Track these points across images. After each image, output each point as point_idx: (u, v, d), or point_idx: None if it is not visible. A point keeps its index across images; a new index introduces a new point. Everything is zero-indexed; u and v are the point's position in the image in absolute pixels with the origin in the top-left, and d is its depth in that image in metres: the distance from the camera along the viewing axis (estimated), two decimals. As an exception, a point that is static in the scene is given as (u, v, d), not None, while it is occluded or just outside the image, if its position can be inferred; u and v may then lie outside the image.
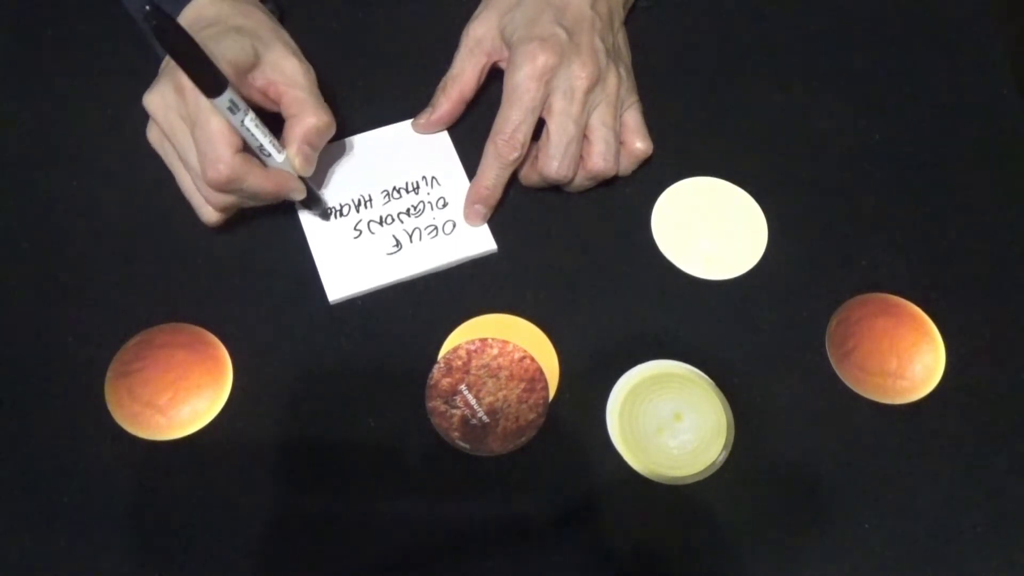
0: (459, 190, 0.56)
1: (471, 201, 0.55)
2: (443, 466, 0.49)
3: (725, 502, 0.48)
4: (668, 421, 0.50)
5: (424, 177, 0.57)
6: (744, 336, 0.53)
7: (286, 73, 0.50)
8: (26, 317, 0.52)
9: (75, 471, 0.48)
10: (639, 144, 0.56)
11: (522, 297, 0.54)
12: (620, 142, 0.55)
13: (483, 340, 0.52)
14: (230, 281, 0.54)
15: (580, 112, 0.53)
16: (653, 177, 0.58)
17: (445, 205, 0.56)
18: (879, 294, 0.55)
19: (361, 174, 0.57)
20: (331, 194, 0.56)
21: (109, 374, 0.50)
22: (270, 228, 0.55)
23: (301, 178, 0.52)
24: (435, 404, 0.50)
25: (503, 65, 0.55)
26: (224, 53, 0.47)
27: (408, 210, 0.56)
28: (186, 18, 0.51)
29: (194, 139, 0.47)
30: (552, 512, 0.48)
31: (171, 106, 0.48)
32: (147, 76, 0.51)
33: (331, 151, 0.57)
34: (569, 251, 0.56)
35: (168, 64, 0.50)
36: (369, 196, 0.56)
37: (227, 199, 0.50)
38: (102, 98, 0.59)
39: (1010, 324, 0.54)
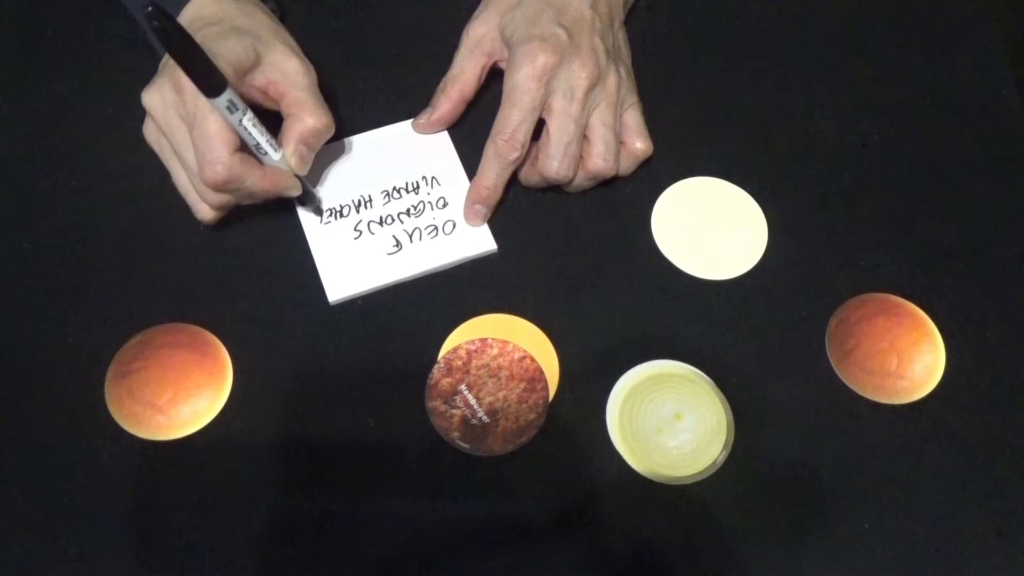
0: (459, 190, 0.56)
1: (471, 201, 0.55)
2: (443, 466, 0.49)
3: (725, 502, 0.48)
4: (668, 421, 0.50)
5: (424, 177, 0.57)
6: (744, 336, 0.53)
7: (287, 73, 0.50)
8: (26, 317, 0.52)
9: (75, 471, 0.48)
10: (639, 144, 0.56)
11: (522, 297, 0.54)
12: (620, 142, 0.55)
13: (483, 340, 0.52)
14: (230, 281, 0.54)
15: (580, 112, 0.53)
16: (653, 177, 0.58)
17: (445, 205, 0.56)
18: (879, 294, 0.55)
19: (361, 174, 0.57)
20: (331, 194, 0.56)
21: (109, 374, 0.50)
22: (270, 228, 0.55)
23: (297, 176, 0.52)
24: (435, 404, 0.50)
25: (503, 65, 0.55)
26: (224, 53, 0.47)
27: (408, 210, 0.56)
28: (186, 17, 0.51)
29: (192, 138, 0.47)
30: (552, 512, 0.48)
31: (169, 104, 0.48)
32: (147, 76, 0.50)
33: (331, 151, 0.57)
34: (569, 251, 0.56)
35: (167, 62, 0.50)
36: (369, 196, 0.56)
37: (223, 198, 0.50)
38: (102, 98, 0.59)
39: (1010, 324, 0.54)
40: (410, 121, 0.59)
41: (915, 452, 0.50)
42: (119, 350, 0.51)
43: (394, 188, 0.56)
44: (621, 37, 0.58)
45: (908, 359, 0.52)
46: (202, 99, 0.46)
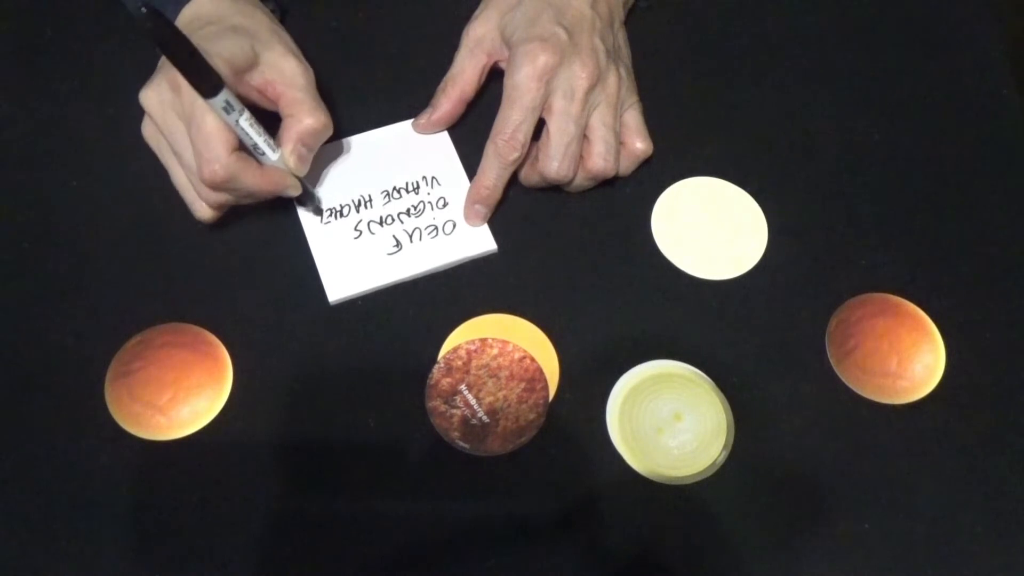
0: (459, 190, 0.56)
1: (471, 201, 0.55)
2: (443, 466, 0.49)
3: (725, 502, 0.48)
4: (668, 421, 0.50)
5: (424, 177, 0.57)
6: (744, 336, 0.53)
7: (284, 73, 0.50)
8: (26, 317, 0.52)
9: (75, 471, 0.48)
10: (639, 144, 0.56)
11: (522, 297, 0.54)
12: (620, 142, 0.55)
13: (483, 340, 0.52)
14: (230, 281, 0.54)
15: (580, 112, 0.53)
16: (653, 177, 0.58)
17: (445, 205, 0.56)
18: (879, 294, 0.55)
19: (361, 174, 0.57)
20: (331, 194, 0.56)
21: (109, 374, 0.50)
22: (270, 228, 0.55)
23: (296, 176, 0.52)
24: (435, 404, 0.50)
25: (503, 65, 0.55)
26: (221, 52, 0.47)
27: (408, 210, 0.56)
28: (185, 17, 0.51)
29: (190, 137, 0.47)
30: (552, 512, 0.48)
31: (167, 103, 0.48)
32: (147, 76, 0.50)
33: (331, 151, 0.57)
34: (569, 251, 0.56)
35: (165, 61, 0.50)
36: (369, 196, 0.56)
37: (222, 197, 0.50)
38: (102, 98, 0.59)
39: (1010, 324, 0.54)
40: (410, 121, 0.59)
41: (915, 452, 0.50)
42: (119, 350, 0.51)
43: (394, 188, 0.56)
44: (621, 37, 0.58)
45: (908, 359, 0.52)
46: (199, 98, 0.46)
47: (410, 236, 0.55)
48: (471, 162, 0.57)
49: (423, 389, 0.51)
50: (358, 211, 0.56)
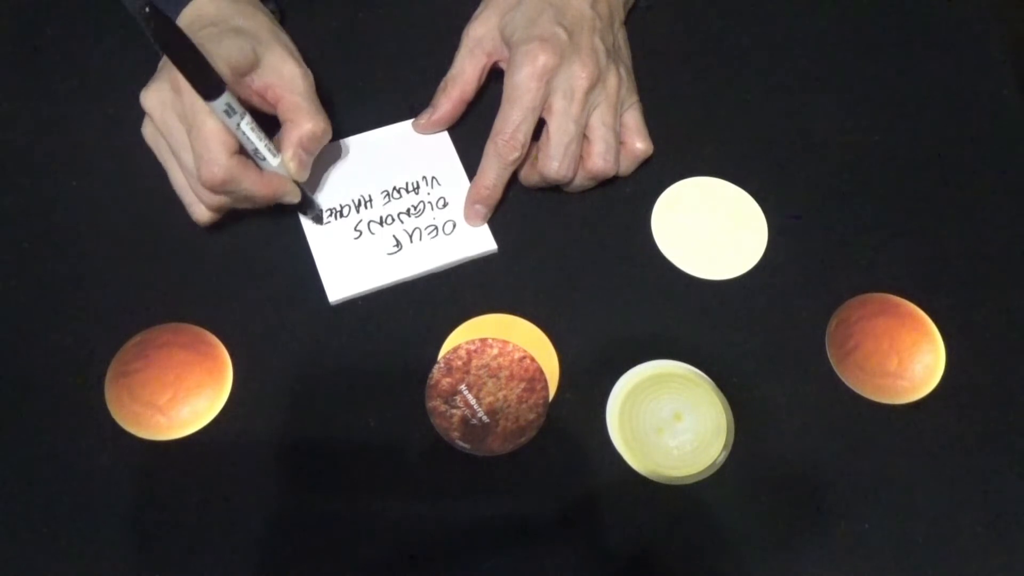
0: (459, 190, 0.56)
1: (471, 201, 0.55)
2: (443, 466, 0.49)
3: (725, 502, 0.48)
4: (668, 421, 0.50)
5: (424, 177, 0.57)
6: (744, 336, 0.53)
7: (284, 77, 0.50)
8: (26, 317, 0.52)
9: (75, 471, 0.48)
10: (639, 144, 0.56)
11: (522, 297, 0.54)
12: (620, 142, 0.55)
13: (483, 340, 0.52)
14: (230, 281, 0.54)
15: (580, 112, 0.53)
16: (653, 177, 0.58)
17: (445, 205, 0.56)
18: (879, 294, 0.55)
19: (361, 174, 0.57)
20: (331, 194, 0.56)
21: (109, 374, 0.50)
22: (270, 228, 0.55)
23: (296, 183, 0.52)
24: (435, 404, 0.50)
25: (503, 65, 0.55)
26: (223, 53, 0.47)
27: (408, 210, 0.56)
28: (186, 17, 0.51)
29: (190, 139, 0.47)
30: (552, 512, 0.48)
31: (168, 104, 0.48)
32: (147, 76, 0.50)
33: (331, 151, 0.57)
34: (569, 251, 0.56)
35: (166, 62, 0.50)
36: (369, 196, 0.56)
37: (220, 199, 0.50)
38: (102, 98, 0.59)
39: (1010, 324, 0.54)
40: (410, 121, 0.59)
41: (915, 452, 0.50)
42: (119, 350, 0.51)
43: (394, 188, 0.56)
44: (621, 37, 0.58)
45: (908, 359, 0.52)
46: (200, 100, 0.46)
47: (410, 236, 0.55)
48: (471, 162, 0.57)
49: (423, 389, 0.51)
50: (358, 211, 0.56)
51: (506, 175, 0.54)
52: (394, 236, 0.55)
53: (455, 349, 0.51)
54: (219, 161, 0.47)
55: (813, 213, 0.57)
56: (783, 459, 0.50)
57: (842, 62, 0.63)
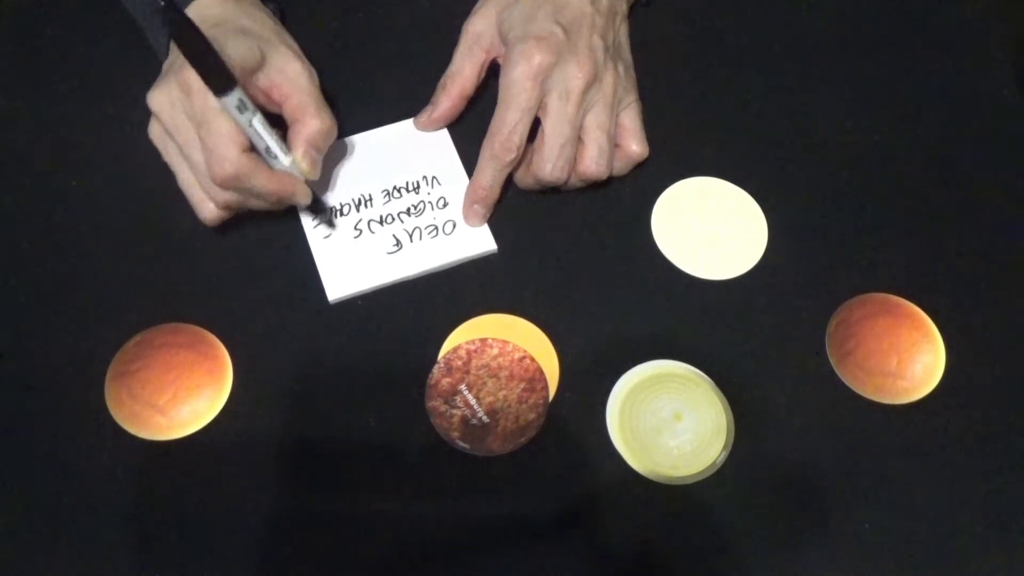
0: (459, 190, 0.56)
1: (470, 201, 0.55)
2: (443, 466, 0.49)
3: (725, 502, 0.48)
4: (668, 421, 0.50)
5: (424, 177, 0.57)
6: (744, 336, 0.53)
7: (289, 76, 0.50)
8: (26, 317, 0.52)
9: (75, 471, 0.48)
10: (635, 147, 0.55)
11: (522, 297, 0.54)
12: (616, 144, 0.55)
13: (483, 340, 0.52)
14: (230, 281, 0.54)
15: (575, 113, 0.52)
16: (653, 177, 0.58)
17: (445, 205, 0.56)
18: (879, 294, 0.55)
19: (361, 174, 0.57)
20: (331, 194, 0.56)
21: (109, 374, 0.50)
22: (270, 228, 0.55)
23: (307, 185, 0.52)
24: (435, 404, 0.50)
25: (501, 61, 0.55)
26: (230, 54, 0.47)
27: (408, 210, 0.56)
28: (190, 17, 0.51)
29: (200, 138, 0.47)
30: (552, 512, 0.48)
31: (176, 104, 0.48)
32: (147, 76, 0.51)
33: (331, 151, 0.57)
34: (569, 251, 0.56)
35: (174, 63, 0.50)
36: (369, 196, 0.56)
37: (230, 196, 0.49)
38: (102, 98, 0.59)
39: (1010, 324, 0.54)
40: (410, 120, 0.59)
41: (915, 452, 0.50)
42: (119, 350, 0.51)
43: (394, 187, 0.56)
44: (623, 32, 0.58)
45: (908, 359, 0.52)
46: (211, 99, 0.46)
47: (410, 236, 0.55)
48: (471, 162, 0.57)
49: (423, 389, 0.51)
50: (358, 210, 0.56)
51: (503, 176, 0.54)
52: (394, 235, 0.55)
53: (455, 349, 0.51)
54: (230, 157, 0.47)
55: (813, 213, 0.57)
56: (783, 459, 0.50)
57: (842, 62, 0.63)
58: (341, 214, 0.55)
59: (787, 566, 0.47)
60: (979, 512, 0.49)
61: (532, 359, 0.51)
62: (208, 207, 0.51)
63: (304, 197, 0.52)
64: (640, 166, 0.57)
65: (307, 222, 0.55)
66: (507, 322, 0.53)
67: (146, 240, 0.55)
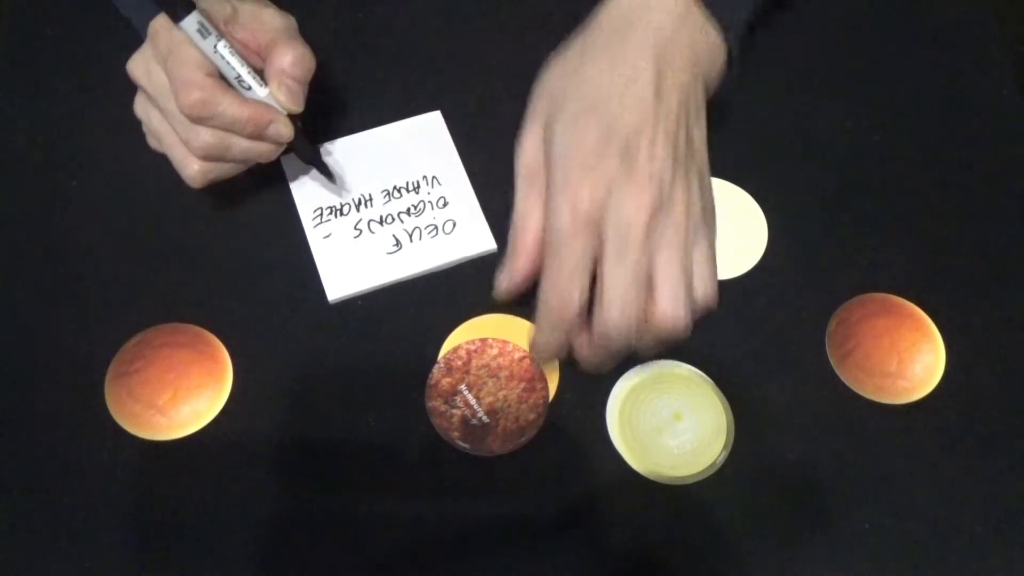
0: (459, 190, 0.56)
1: (532, 349, 0.49)
2: (443, 466, 0.49)
3: (725, 502, 0.48)
4: (668, 421, 0.50)
5: (425, 176, 0.57)
6: (744, 336, 0.53)
7: (264, 21, 0.50)
8: (26, 317, 0.52)
9: (75, 471, 0.48)
10: (700, 289, 0.45)
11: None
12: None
13: (483, 340, 0.52)
14: (230, 281, 0.54)
15: (639, 254, 0.42)
16: (653, 177, 0.58)
17: (445, 205, 0.56)
18: (879, 294, 0.55)
19: (361, 173, 0.57)
20: (331, 193, 0.56)
21: (109, 374, 0.50)
22: (270, 228, 0.55)
23: (293, 125, 0.51)
24: (435, 404, 0.50)
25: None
26: (201, 8, 0.47)
27: (408, 209, 0.56)
28: None
29: (167, 72, 0.47)
30: (552, 512, 0.48)
31: (149, 59, 0.48)
32: (147, 76, 0.50)
33: (331, 150, 0.57)
34: (569, 251, 0.55)
35: (149, 34, 0.49)
36: (369, 195, 0.56)
37: (208, 138, 0.48)
38: (102, 98, 0.59)
39: (1010, 324, 0.54)
40: (411, 120, 0.58)
41: (915, 452, 0.50)
42: (119, 350, 0.51)
43: (394, 187, 0.56)
44: (698, 131, 0.47)
45: (908, 359, 0.52)
46: (175, 34, 0.46)
47: (410, 235, 0.55)
48: (471, 161, 0.57)
49: (423, 389, 0.51)
50: (358, 210, 0.56)
51: (563, 334, 0.45)
52: (394, 235, 0.55)
53: (455, 349, 0.51)
54: (195, 82, 0.46)
55: (813, 213, 0.57)
56: (783, 459, 0.50)
57: (842, 62, 0.63)
58: (341, 214, 0.55)
59: (787, 566, 0.47)
60: (979, 512, 0.49)
61: (532, 359, 0.51)
62: (191, 164, 0.49)
63: (284, 128, 0.50)
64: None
65: (306, 221, 0.55)
66: (507, 322, 0.53)
67: (146, 240, 0.55)
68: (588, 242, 0.43)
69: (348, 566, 0.46)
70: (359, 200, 0.56)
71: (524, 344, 0.52)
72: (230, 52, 0.48)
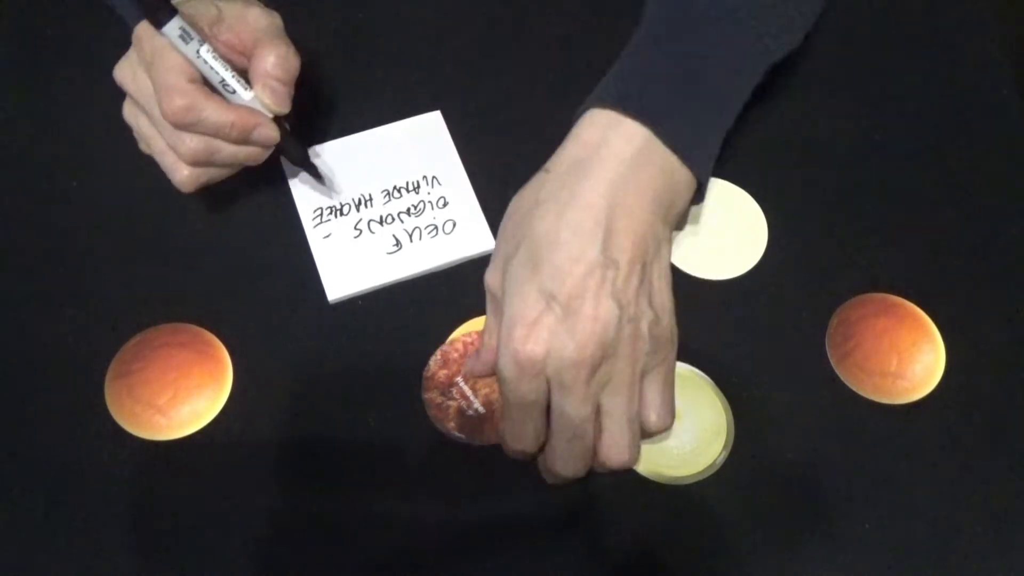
0: (459, 189, 0.56)
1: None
2: (443, 466, 0.49)
3: (725, 502, 0.48)
4: (668, 421, 0.50)
5: (424, 176, 0.57)
6: (744, 336, 0.53)
7: (249, 21, 0.49)
8: (26, 317, 0.52)
9: (75, 471, 0.48)
10: (653, 418, 0.46)
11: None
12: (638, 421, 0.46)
13: (480, 333, 0.52)
14: (230, 281, 0.54)
15: (581, 402, 0.43)
16: (653, 177, 0.58)
17: (445, 204, 0.56)
18: (879, 294, 0.55)
19: (361, 173, 0.57)
20: (331, 193, 0.56)
21: (109, 374, 0.50)
22: (270, 228, 0.55)
23: (281, 128, 0.51)
24: (431, 396, 0.50)
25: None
26: (186, 13, 0.47)
27: (408, 209, 0.56)
28: None
29: (151, 80, 0.47)
30: (552, 512, 0.48)
31: (135, 65, 0.48)
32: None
33: (331, 150, 0.57)
34: (569, 251, 0.55)
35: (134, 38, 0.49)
36: (369, 195, 0.56)
37: (195, 144, 0.48)
38: (102, 98, 0.59)
39: (1010, 324, 0.54)
40: (410, 120, 0.58)
41: (915, 452, 0.50)
42: (119, 350, 0.51)
43: (394, 187, 0.56)
44: (658, 269, 0.46)
45: (908, 359, 0.52)
46: (158, 40, 0.46)
47: (410, 235, 0.55)
48: (471, 161, 0.57)
49: (420, 383, 0.51)
50: (358, 210, 0.56)
51: (527, 456, 0.47)
52: (394, 235, 0.55)
53: (451, 342, 0.51)
54: (178, 87, 0.46)
55: (813, 213, 0.57)
56: (783, 459, 0.50)
57: (842, 62, 0.63)
58: (341, 214, 0.55)
59: (787, 566, 0.47)
60: (979, 512, 0.49)
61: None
62: (180, 170, 0.49)
63: (271, 131, 0.49)
64: None
65: (306, 221, 0.55)
66: (507, 322, 0.53)
67: (146, 240, 0.55)
68: (533, 386, 0.43)
69: (348, 566, 0.46)
70: (359, 200, 0.56)
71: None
72: (213, 56, 0.48)
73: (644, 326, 0.44)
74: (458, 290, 0.54)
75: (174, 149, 0.48)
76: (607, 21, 0.63)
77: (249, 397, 0.50)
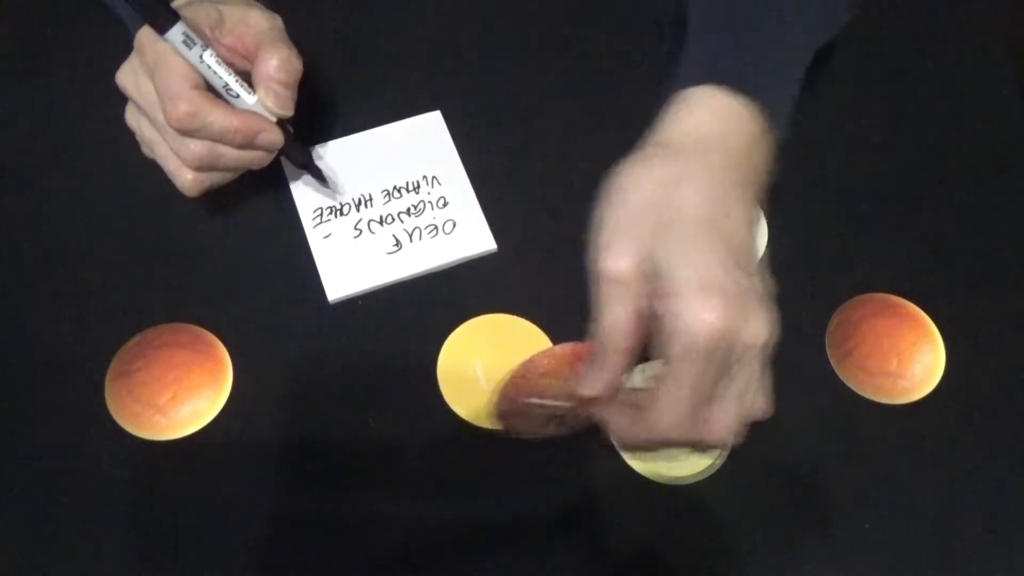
0: (459, 190, 0.56)
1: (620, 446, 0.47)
2: (443, 466, 0.49)
3: (725, 502, 0.48)
4: (668, 421, 0.50)
5: (424, 177, 0.57)
6: (744, 336, 0.53)
7: (251, 24, 0.49)
8: (26, 317, 0.52)
9: (75, 471, 0.48)
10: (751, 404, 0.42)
11: (522, 297, 0.54)
12: None
13: (526, 362, 0.48)
14: (230, 281, 0.54)
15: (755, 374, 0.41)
16: (653, 177, 0.58)
17: (445, 204, 0.56)
18: (879, 294, 0.55)
19: (361, 173, 0.57)
20: (331, 193, 0.56)
21: (109, 374, 0.50)
22: (270, 228, 0.55)
23: (284, 131, 0.51)
24: (514, 423, 0.48)
25: (660, 308, 0.41)
26: (187, 17, 0.47)
27: (408, 209, 0.56)
28: None
29: (155, 86, 0.47)
30: (552, 512, 0.48)
31: (137, 70, 0.48)
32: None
33: (331, 150, 0.57)
34: (569, 251, 0.55)
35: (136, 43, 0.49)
36: (369, 195, 0.56)
37: (199, 149, 0.48)
38: (102, 98, 0.59)
39: (1010, 324, 0.54)
40: (411, 120, 0.58)
41: (915, 452, 0.50)
42: (119, 350, 0.51)
43: (394, 187, 0.56)
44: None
45: (908, 359, 0.52)
46: (161, 45, 0.46)
47: (410, 235, 0.55)
48: (471, 161, 0.57)
49: (423, 388, 0.51)
50: (358, 210, 0.56)
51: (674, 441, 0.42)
52: (394, 235, 0.55)
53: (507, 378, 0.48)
54: (182, 94, 0.46)
55: (813, 213, 0.57)
56: (783, 459, 0.50)
57: (842, 62, 0.63)
58: (341, 214, 0.55)
59: (787, 566, 0.47)
60: (979, 512, 0.49)
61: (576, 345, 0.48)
62: (184, 174, 0.49)
63: (275, 135, 0.50)
64: None
65: (307, 221, 0.55)
66: (507, 322, 0.53)
67: (146, 240, 0.55)
68: (710, 376, 0.40)
69: (348, 566, 0.46)
70: (359, 200, 0.56)
71: (524, 344, 0.51)
72: (216, 61, 0.48)
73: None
74: (458, 290, 0.54)
75: (178, 154, 0.48)
76: (607, 21, 0.63)
77: (249, 397, 0.50)
